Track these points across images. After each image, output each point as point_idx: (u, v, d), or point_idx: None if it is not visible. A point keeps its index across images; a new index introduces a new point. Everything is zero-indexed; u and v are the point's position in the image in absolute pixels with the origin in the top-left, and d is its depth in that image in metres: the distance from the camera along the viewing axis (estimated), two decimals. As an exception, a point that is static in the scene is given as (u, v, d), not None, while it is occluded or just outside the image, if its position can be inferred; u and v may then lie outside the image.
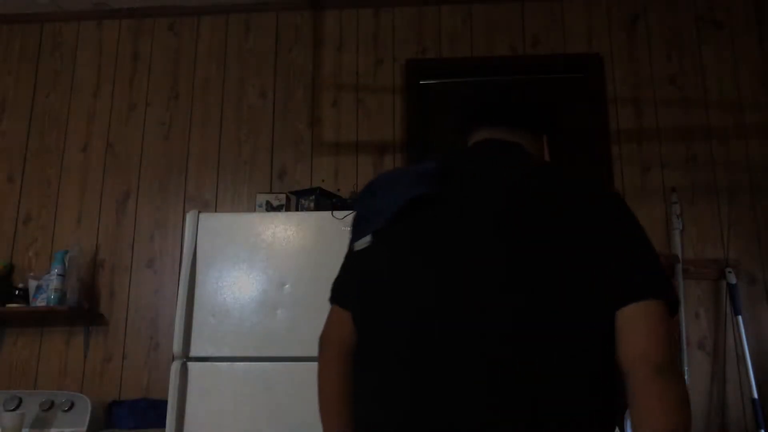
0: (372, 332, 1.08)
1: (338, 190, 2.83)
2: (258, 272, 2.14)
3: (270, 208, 2.55)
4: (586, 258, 0.95)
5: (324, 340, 1.21)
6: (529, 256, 0.96)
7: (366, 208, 1.18)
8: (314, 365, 2.03)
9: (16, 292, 2.78)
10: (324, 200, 2.48)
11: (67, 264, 2.73)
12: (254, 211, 2.64)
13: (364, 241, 1.13)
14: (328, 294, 2.18)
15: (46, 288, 2.71)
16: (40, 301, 2.72)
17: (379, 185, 1.18)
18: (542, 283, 0.94)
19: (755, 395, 2.47)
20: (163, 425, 2.05)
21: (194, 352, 2.10)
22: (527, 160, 1.12)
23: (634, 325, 0.91)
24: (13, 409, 2.49)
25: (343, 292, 1.22)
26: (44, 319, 2.84)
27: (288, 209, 2.55)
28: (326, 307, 2.08)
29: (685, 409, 0.87)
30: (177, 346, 2.10)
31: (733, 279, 2.61)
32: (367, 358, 1.08)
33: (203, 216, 2.23)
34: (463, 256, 0.99)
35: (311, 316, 2.09)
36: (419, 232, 1.05)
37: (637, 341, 0.91)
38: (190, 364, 2.09)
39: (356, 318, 1.15)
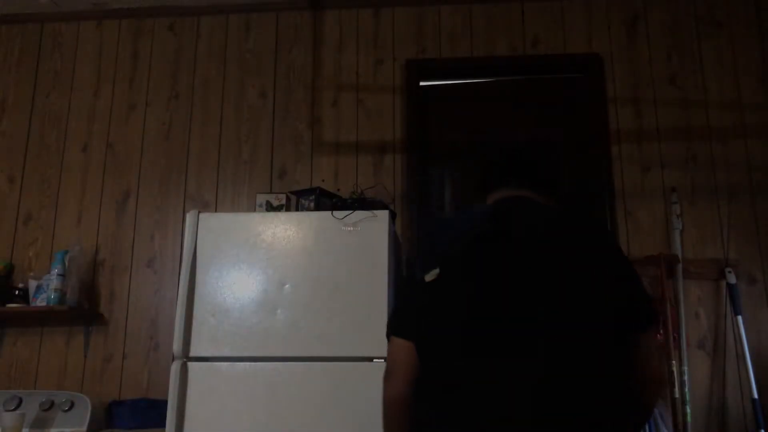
0: (445, 358, 1.28)
1: (338, 190, 2.83)
2: (258, 272, 2.14)
3: (270, 208, 2.55)
4: (603, 289, 1.28)
5: (391, 374, 1.38)
6: (567, 285, 1.25)
7: (432, 246, 1.41)
8: (314, 365, 2.04)
9: (16, 292, 2.78)
10: (324, 200, 2.48)
11: (67, 264, 2.73)
12: (254, 211, 2.64)
13: (433, 273, 1.33)
14: (327, 294, 2.18)
15: (46, 288, 2.71)
16: (40, 301, 2.72)
17: (439, 228, 1.45)
18: (579, 312, 1.23)
19: (755, 395, 2.47)
20: (163, 425, 2.04)
21: (194, 352, 2.10)
22: (551, 211, 1.43)
23: (643, 346, 1.30)
24: (13, 409, 2.49)
25: (406, 324, 1.39)
26: (44, 319, 2.84)
27: (288, 209, 2.55)
28: (326, 307, 2.09)
29: (657, 400, 1.35)
30: (177, 346, 2.09)
31: (733, 279, 2.61)
32: (439, 384, 1.28)
33: (203, 216, 2.22)
34: (521, 287, 1.25)
35: (311, 316, 2.08)
36: (482, 267, 1.30)
37: (647, 356, 1.30)
38: (190, 364, 2.09)
39: (422, 346, 1.33)
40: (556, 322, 1.21)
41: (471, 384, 1.22)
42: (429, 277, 1.33)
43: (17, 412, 2.45)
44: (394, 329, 1.40)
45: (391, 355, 1.39)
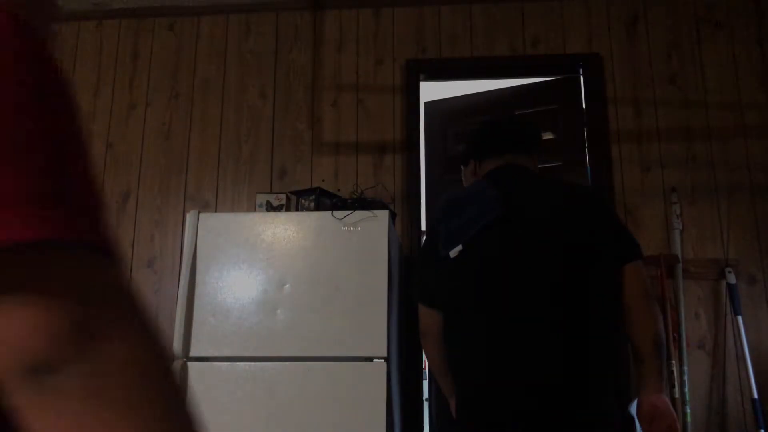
0: (471, 321, 1.54)
1: (338, 190, 2.83)
2: (258, 272, 2.14)
3: (270, 208, 2.55)
4: (599, 238, 1.55)
5: (424, 331, 1.68)
6: (571, 249, 1.52)
7: (451, 225, 1.63)
8: (314, 365, 2.05)
9: (16, 292, 2.78)
10: (324, 200, 2.48)
11: (67, 264, 2.73)
12: (254, 211, 2.64)
13: (456, 250, 1.57)
14: (327, 294, 2.19)
15: (46, 288, 2.71)
16: (40, 301, 2.72)
17: (455, 206, 1.65)
18: (582, 272, 1.50)
19: (755, 395, 2.47)
20: (163, 425, 2.04)
21: (194, 352, 2.10)
22: (542, 179, 1.66)
23: (632, 276, 1.54)
24: (13, 409, 2.49)
25: (434, 296, 1.65)
26: (44, 319, 2.83)
27: (288, 209, 2.55)
28: (326, 307, 2.09)
29: (661, 320, 1.54)
30: (177, 346, 2.10)
31: (732, 279, 2.61)
32: (462, 339, 1.56)
33: (203, 216, 2.23)
34: (531, 257, 1.52)
35: (311, 316, 2.09)
36: (498, 242, 1.55)
37: (634, 285, 1.53)
38: (190, 364, 2.09)
39: (449, 311, 1.60)
40: (560, 284, 1.48)
41: (492, 343, 1.49)
42: (453, 253, 1.57)
43: (17, 412, 2.45)
44: (423, 299, 1.67)
45: (422, 320, 1.67)
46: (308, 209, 2.47)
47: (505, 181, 1.65)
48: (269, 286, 2.13)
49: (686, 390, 2.48)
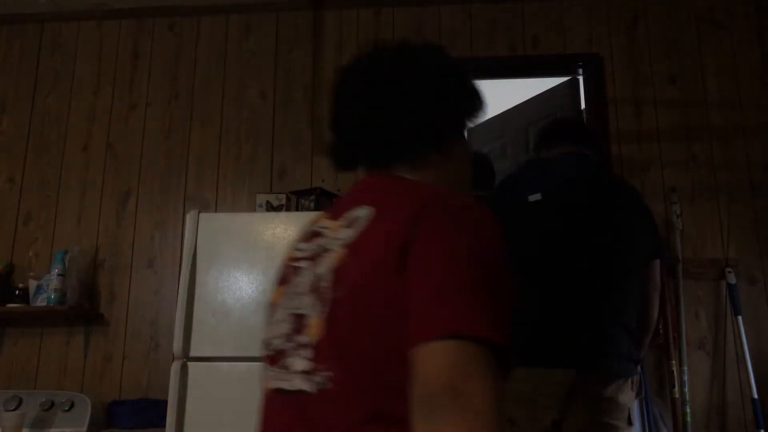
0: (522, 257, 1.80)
1: (338, 190, 2.82)
2: (258, 272, 2.14)
3: (270, 208, 2.55)
4: (627, 230, 1.87)
5: None
6: (604, 223, 1.87)
7: (530, 182, 1.99)
8: (314, 365, 2.04)
9: (16, 292, 2.78)
10: (324, 200, 2.48)
11: (67, 264, 2.73)
12: (254, 211, 2.64)
13: (536, 197, 1.92)
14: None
15: (46, 288, 2.71)
16: (40, 301, 2.72)
17: (536, 165, 2.10)
18: (608, 241, 1.84)
19: (755, 395, 2.47)
20: (163, 425, 2.05)
21: (194, 352, 2.10)
22: (598, 167, 2.09)
23: (650, 273, 1.92)
24: (13, 409, 2.49)
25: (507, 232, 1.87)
26: (44, 319, 2.84)
27: (288, 209, 2.55)
28: (326, 307, 2.09)
29: (655, 308, 1.95)
30: (177, 346, 2.10)
31: (733, 279, 2.61)
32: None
33: (203, 216, 2.23)
34: (583, 221, 1.87)
35: (311, 316, 2.08)
36: (562, 200, 1.91)
37: (651, 278, 1.92)
38: (190, 364, 2.09)
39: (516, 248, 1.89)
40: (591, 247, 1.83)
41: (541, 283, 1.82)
42: (533, 198, 1.92)
43: (17, 412, 2.45)
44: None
45: None
46: (308, 209, 2.46)
47: (566, 158, 2.03)
48: (269, 286, 2.13)
49: (686, 390, 2.48)
